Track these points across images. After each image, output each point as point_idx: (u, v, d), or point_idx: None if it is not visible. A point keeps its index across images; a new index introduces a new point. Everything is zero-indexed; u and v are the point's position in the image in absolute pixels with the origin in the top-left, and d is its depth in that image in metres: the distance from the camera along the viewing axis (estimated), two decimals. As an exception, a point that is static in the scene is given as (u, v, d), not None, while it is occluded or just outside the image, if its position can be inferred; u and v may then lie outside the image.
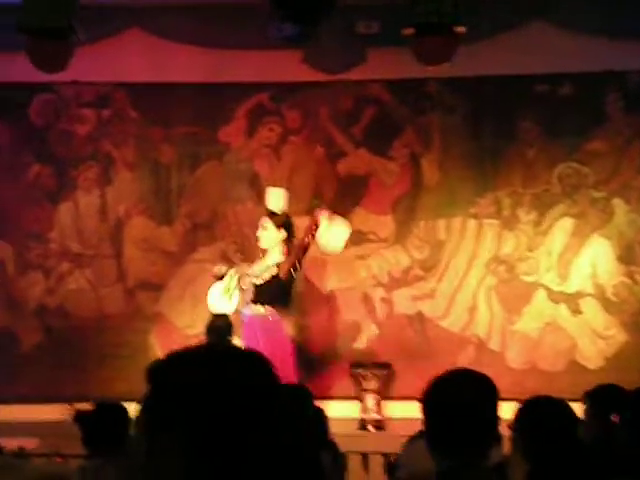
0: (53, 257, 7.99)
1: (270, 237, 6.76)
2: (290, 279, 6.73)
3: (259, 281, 6.75)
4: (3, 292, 7.97)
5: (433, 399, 2.56)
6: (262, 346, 6.44)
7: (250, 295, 6.75)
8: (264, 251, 6.83)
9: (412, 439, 4.10)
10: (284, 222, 6.80)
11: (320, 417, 3.92)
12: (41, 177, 8.02)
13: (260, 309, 6.72)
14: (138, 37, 7.82)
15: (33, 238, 7.99)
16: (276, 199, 6.87)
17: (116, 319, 7.93)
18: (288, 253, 6.75)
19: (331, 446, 4.16)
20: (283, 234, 6.77)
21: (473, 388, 2.56)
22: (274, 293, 6.73)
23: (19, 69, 6.91)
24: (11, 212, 8.00)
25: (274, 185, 7.21)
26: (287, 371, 6.46)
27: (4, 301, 7.96)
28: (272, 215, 6.79)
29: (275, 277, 6.71)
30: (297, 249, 6.74)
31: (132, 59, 7.90)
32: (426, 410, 2.58)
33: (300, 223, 7.66)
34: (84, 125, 8.03)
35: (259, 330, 6.64)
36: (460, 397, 2.52)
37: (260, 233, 6.77)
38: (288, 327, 6.79)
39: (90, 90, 8.00)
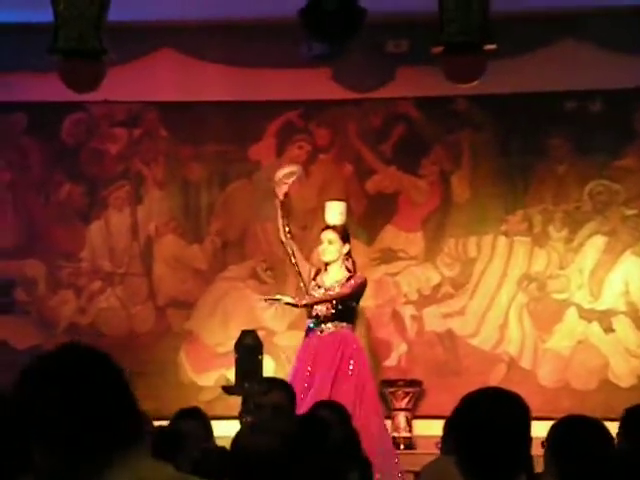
0: (84, 276, 8.03)
1: (336, 250, 6.77)
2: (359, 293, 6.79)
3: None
4: (35, 311, 8.02)
5: (464, 418, 2.54)
6: (341, 364, 6.50)
7: (323, 311, 6.73)
8: (323, 265, 6.82)
9: (432, 461, 4.10)
10: (347, 235, 6.84)
11: (353, 437, 3.90)
12: (72, 196, 8.08)
13: (340, 326, 6.73)
14: (168, 56, 7.88)
15: (64, 257, 8.04)
16: (336, 212, 6.86)
17: (146, 337, 7.95)
18: (353, 267, 6.80)
19: (364, 465, 4.15)
20: (347, 247, 6.79)
21: (505, 408, 2.54)
22: (347, 311, 6.78)
23: (51, 89, 6.97)
24: (43, 231, 8.06)
25: (305, 205, 7.23)
26: (369, 386, 6.54)
27: (36, 320, 8.01)
28: (334, 228, 6.80)
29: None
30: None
31: (162, 78, 7.96)
32: (457, 429, 2.56)
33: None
34: (115, 144, 8.09)
35: (340, 347, 6.64)
36: (492, 417, 2.51)
37: (325, 247, 6.76)
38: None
39: (121, 109, 8.05)
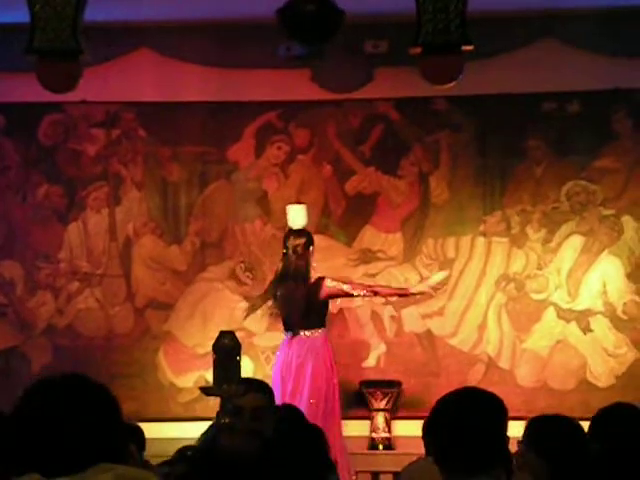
0: (62, 277, 8.00)
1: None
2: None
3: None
4: (12, 312, 7.98)
5: (440, 419, 2.55)
6: (313, 369, 6.57)
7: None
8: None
9: (412, 462, 4.11)
10: (311, 239, 6.94)
11: (321, 437, 3.90)
12: (50, 197, 8.04)
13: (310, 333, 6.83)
14: (146, 57, 7.86)
15: (42, 258, 8.00)
16: (301, 215, 6.94)
17: (125, 338, 7.93)
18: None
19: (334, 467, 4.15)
20: (311, 249, 6.90)
21: (480, 407, 2.55)
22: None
23: (28, 89, 6.94)
24: (20, 232, 8.02)
25: (284, 205, 7.28)
26: (334, 391, 6.61)
27: (14, 321, 7.97)
28: (299, 232, 6.89)
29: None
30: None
31: (141, 79, 7.94)
32: (435, 429, 2.57)
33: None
34: (93, 145, 8.06)
35: (309, 351, 6.72)
36: (467, 417, 2.51)
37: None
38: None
39: (99, 110, 8.02)
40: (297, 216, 7.01)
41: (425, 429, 4.16)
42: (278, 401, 5.87)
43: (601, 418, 3.84)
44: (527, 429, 3.42)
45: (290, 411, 4.02)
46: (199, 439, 4.19)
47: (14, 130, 8.04)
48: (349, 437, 7.40)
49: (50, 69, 5.93)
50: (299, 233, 6.95)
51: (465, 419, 2.51)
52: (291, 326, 6.89)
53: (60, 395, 1.99)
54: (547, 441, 3.37)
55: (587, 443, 3.42)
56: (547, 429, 3.43)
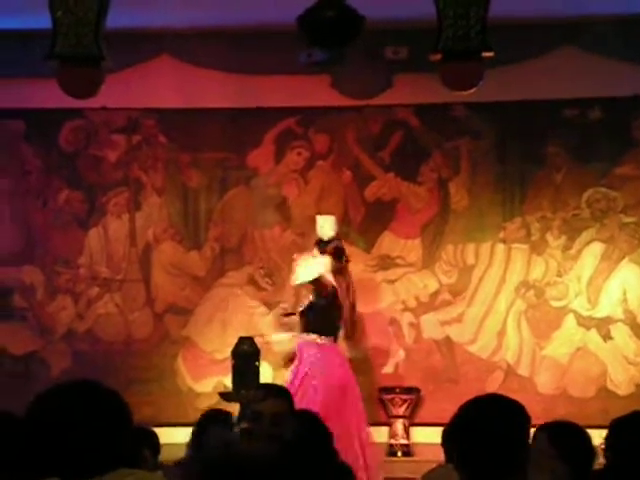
0: (82, 282, 8.03)
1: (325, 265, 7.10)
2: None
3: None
4: (33, 317, 8.01)
5: (463, 425, 2.54)
6: (341, 373, 6.63)
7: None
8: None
9: (432, 469, 4.11)
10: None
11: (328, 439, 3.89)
12: (71, 202, 8.08)
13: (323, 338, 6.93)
14: (167, 63, 7.88)
15: (62, 263, 8.03)
16: (327, 226, 7.10)
17: (144, 343, 7.95)
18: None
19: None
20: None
21: (504, 414, 2.55)
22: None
23: (50, 95, 6.97)
24: (41, 237, 8.06)
25: (303, 211, 7.35)
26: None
27: (34, 326, 8.00)
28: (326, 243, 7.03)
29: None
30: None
31: (161, 85, 7.96)
32: (458, 435, 2.56)
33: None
34: (114, 151, 8.09)
35: (337, 357, 6.81)
36: (492, 423, 2.51)
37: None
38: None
39: (120, 116, 8.06)
40: (327, 226, 7.13)
41: (447, 435, 4.15)
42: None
43: (618, 426, 3.82)
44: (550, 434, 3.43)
45: (308, 417, 4.02)
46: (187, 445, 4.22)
47: (35, 136, 8.08)
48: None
49: (72, 75, 5.96)
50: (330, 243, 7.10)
51: (489, 425, 2.50)
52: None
53: (71, 400, 2.01)
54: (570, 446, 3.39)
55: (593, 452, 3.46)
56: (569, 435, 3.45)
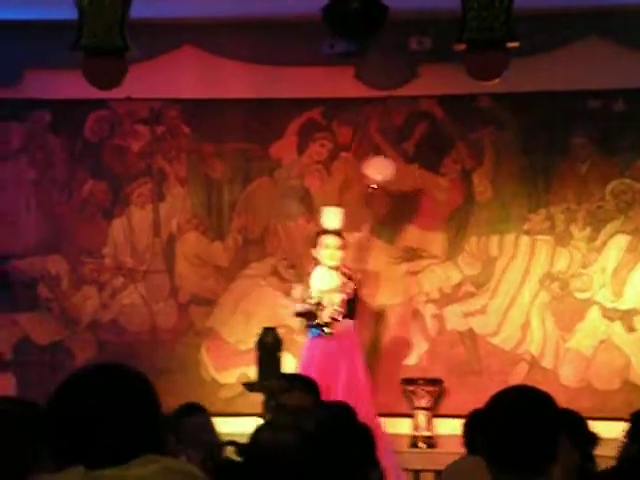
0: (107, 272, 8.07)
1: (341, 257, 7.09)
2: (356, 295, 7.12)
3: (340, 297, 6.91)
4: (57, 307, 8.06)
5: (495, 416, 2.54)
6: (354, 360, 6.65)
7: (334, 311, 6.93)
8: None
9: (455, 461, 4.11)
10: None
11: (367, 435, 3.90)
12: (95, 193, 8.11)
13: (348, 322, 6.92)
14: (191, 54, 7.89)
15: (87, 253, 8.07)
16: (337, 217, 7.09)
17: (168, 334, 7.98)
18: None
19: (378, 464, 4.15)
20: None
21: (536, 405, 2.55)
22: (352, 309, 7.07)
23: (75, 86, 7.00)
24: (66, 227, 8.10)
25: (326, 202, 7.35)
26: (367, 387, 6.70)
27: (59, 316, 8.05)
28: (337, 234, 7.04)
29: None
30: None
31: (185, 76, 7.98)
32: (488, 427, 2.56)
33: (350, 239, 7.68)
34: (138, 141, 8.12)
35: (349, 344, 6.81)
36: (523, 414, 2.51)
37: (333, 252, 7.06)
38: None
39: (144, 106, 8.08)
40: (334, 218, 7.13)
41: (473, 427, 4.15)
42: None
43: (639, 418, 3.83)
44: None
45: (341, 408, 4.02)
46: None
47: (60, 127, 8.12)
48: (391, 435, 7.40)
49: (96, 66, 6.00)
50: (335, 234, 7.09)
51: (520, 417, 2.50)
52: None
53: (99, 385, 1.97)
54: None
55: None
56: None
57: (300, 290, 7.09)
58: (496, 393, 2.58)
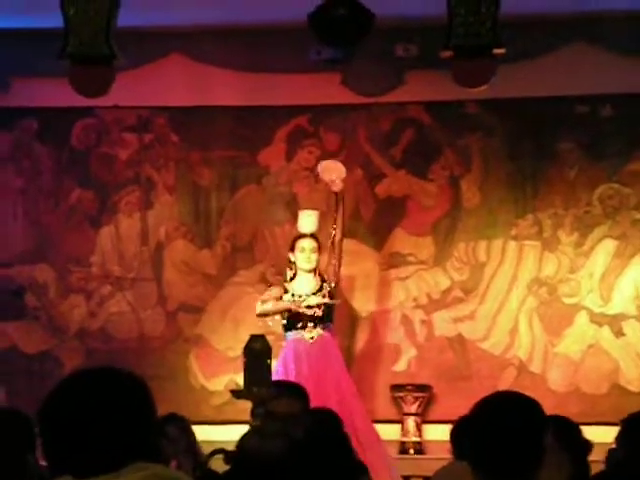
0: (94, 280, 8.05)
1: (316, 260, 7.00)
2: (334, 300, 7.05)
3: (315, 302, 6.90)
4: (45, 316, 8.04)
5: (481, 421, 2.54)
6: (322, 369, 6.62)
7: (306, 318, 6.91)
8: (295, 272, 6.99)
9: (444, 467, 4.11)
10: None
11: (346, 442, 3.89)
12: (82, 201, 8.10)
13: (321, 331, 6.88)
14: (178, 62, 7.89)
15: (74, 262, 8.05)
16: (313, 221, 7.06)
17: (157, 341, 7.96)
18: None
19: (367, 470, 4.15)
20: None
21: (521, 411, 2.55)
22: (329, 315, 6.98)
23: (61, 94, 6.99)
24: (53, 236, 8.08)
25: (309, 207, 7.34)
26: (351, 390, 6.66)
27: (46, 325, 8.02)
28: (313, 237, 7.00)
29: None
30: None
31: (172, 83, 7.97)
32: (473, 432, 2.56)
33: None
34: (125, 149, 8.11)
35: (320, 353, 6.79)
36: (508, 419, 2.51)
37: (309, 255, 6.97)
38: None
39: (131, 114, 8.07)
40: (309, 221, 7.10)
41: (460, 432, 4.16)
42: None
43: (629, 423, 3.83)
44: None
45: (326, 415, 4.01)
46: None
47: (47, 135, 8.11)
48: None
49: (83, 74, 5.99)
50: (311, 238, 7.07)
51: (505, 421, 2.50)
52: None
53: (89, 391, 1.92)
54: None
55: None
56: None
57: (276, 290, 7.09)
58: (481, 399, 2.58)
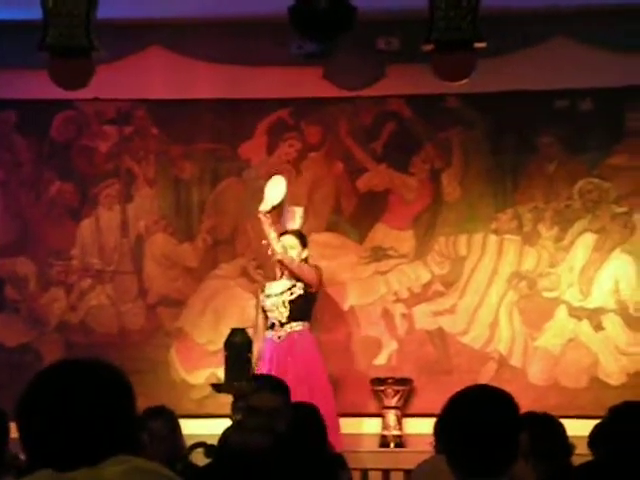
0: (74, 273, 8.02)
1: (296, 256, 6.95)
2: (314, 295, 7.01)
3: (288, 298, 6.88)
4: (25, 309, 8.00)
5: (453, 417, 2.54)
6: (299, 364, 6.61)
7: (280, 314, 6.90)
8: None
9: (425, 460, 4.12)
10: (305, 240, 7.02)
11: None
12: (62, 194, 8.06)
13: (296, 326, 6.87)
14: (158, 54, 7.86)
15: (54, 255, 8.02)
16: (295, 217, 7.04)
17: (137, 335, 7.94)
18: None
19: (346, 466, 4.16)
20: (305, 252, 6.99)
21: (493, 405, 2.55)
22: (304, 310, 6.92)
23: (41, 86, 6.95)
24: (33, 229, 8.04)
25: (295, 203, 7.33)
26: (325, 387, 6.64)
27: (26, 317, 7.99)
28: (292, 233, 6.99)
29: (302, 294, 6.96)
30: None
31: (153, 76, 7.94)
32: (447, 428, 2.57)
33: (319, 239, 7.68)
34: (105, 142, 8.07)
35: (296, 348, 6.78)
36: (480, 415, 2.51)
37: (290, 251, 6.97)
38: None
39: (111, 107, 8.04)
40: (295, 217, 7.09)
41: (437, 428, 4.16)
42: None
43: (610, 418, 3.84)
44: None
45: (307, 409, 4.02)
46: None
47: (26, 127, 8.06)
48: (360, 435, 7.40)
49: (62, 66, 5.95)
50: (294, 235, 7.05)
51: (478, 417, 2.50)
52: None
53: (68, 383, 1.89)
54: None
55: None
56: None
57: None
58: (454, 394, 2.58)
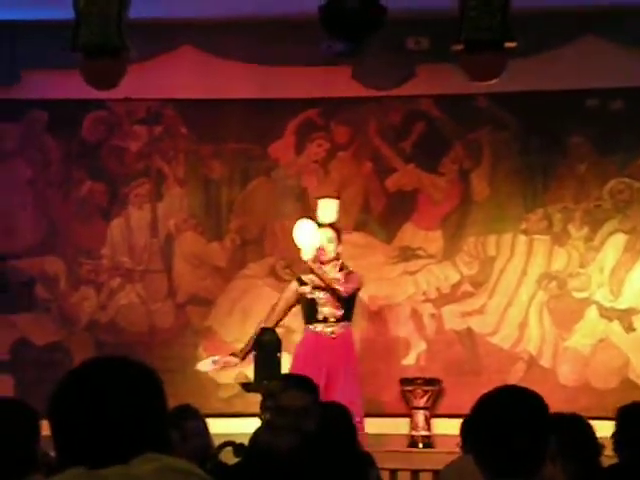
0: (104, 273, 8.06)
1: (334, 250, 6.86)
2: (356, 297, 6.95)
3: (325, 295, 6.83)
4: (55, 308, 8.06)
5: (482, 417, 2.53)
6: (343, 361, 6.56)
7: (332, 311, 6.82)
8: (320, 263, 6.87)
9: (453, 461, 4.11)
10: (340, 235, 6.93)
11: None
12: (93, 193, 8.11)
13: (348, 325, 6.82)
14: (189, 54, 7.89)
15: (85, 254, 8.07)
16: (332, 210, 6.93)
17: (166, 334, 7.98)
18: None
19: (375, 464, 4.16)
20: (340, 248, 6.89)
21: (523, 406, 2.54)
22: (350, 309, 6.89)
23: (72, 86, 7.00)
24: (63, 228, 8.10)
25: (325, 197, 7.22)
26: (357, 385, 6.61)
27: (56, 316, 8.04)
28: (331, 226, 6.88)
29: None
30: None
31: (183, 76, 7.97)
32: (475, 428, 2.55)
33: (348, 239, 7.68)
34: (136, 141, 8.11)
35: (350, 347, 6.72)
36: (510, 415, 2.50)
37: (325, 245, 6.80)
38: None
39: (142, 107, 8.08)
40: (329, 210, 6.96)
41: (465, 428, 4.16)
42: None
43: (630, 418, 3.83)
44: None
45: (336, 409, 4.01)
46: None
47: (57, 127, 8.11)
48: (389, 435, 7.40)
49: (94, 66, 5.99)
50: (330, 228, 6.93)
51: (507, 418, 2.49)
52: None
53: (99, 381, 1.90)
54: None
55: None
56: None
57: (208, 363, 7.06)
58: (484, 394, 2.56)
